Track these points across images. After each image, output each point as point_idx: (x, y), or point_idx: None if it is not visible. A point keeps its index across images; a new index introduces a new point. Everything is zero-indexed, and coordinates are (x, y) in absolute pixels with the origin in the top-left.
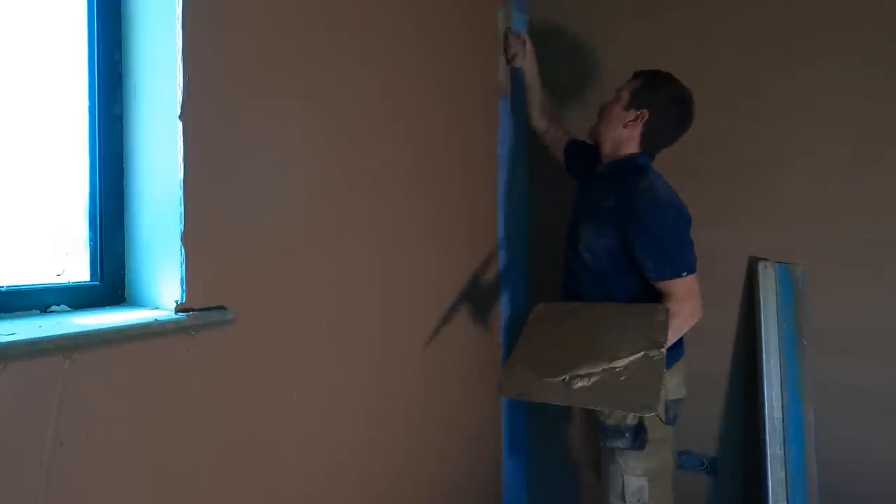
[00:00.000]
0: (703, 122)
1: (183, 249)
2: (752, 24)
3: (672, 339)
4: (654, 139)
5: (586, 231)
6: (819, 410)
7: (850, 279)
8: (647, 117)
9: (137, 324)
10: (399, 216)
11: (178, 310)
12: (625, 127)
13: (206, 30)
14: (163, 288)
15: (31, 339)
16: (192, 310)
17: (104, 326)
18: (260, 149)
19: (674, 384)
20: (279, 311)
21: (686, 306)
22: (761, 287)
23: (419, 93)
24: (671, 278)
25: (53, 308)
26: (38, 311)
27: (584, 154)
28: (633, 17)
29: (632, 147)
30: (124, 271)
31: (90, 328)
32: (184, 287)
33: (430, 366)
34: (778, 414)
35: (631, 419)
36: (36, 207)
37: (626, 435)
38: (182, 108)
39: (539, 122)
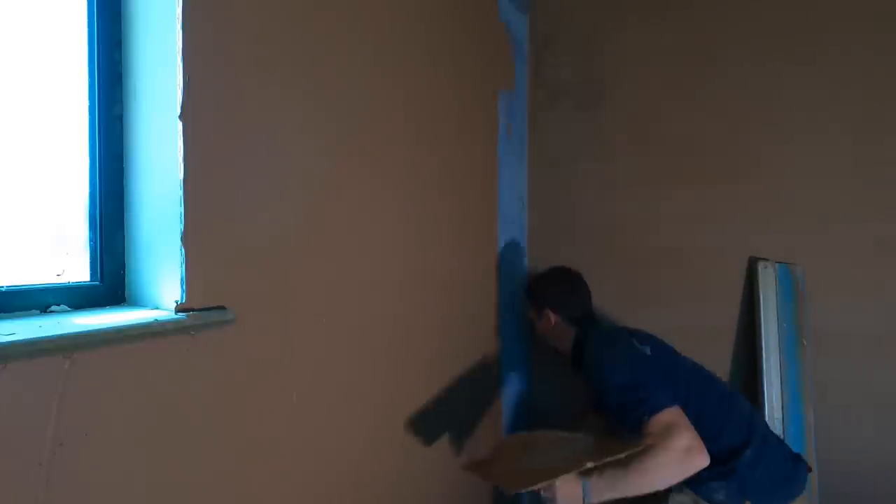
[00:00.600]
0: (702, 122)
1: (183, 249)
2: (752, 24)
3: (664, 477)
4: (572, 315)
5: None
6: (819, 410)
7: (850, 279)
8: (554, 313)
9: (137, 324)
10: (400, 216)
11: (178, 310)
12: (553, 330)
13: (206, 30)
14: (163, 288)
15: (31, 339)
16: (192, 310)
17: (104, 326)
18: (260, 149)
19: None
20: (279, 311)
21: (669, 442)
22: (761, 287)
23: (419, 93)
24: (639, 425)
25: (53, 308)
26: (38, 311)
27: None
28: (633, 17)
29: (569, 334)
30: (124, 271)
31: (90, 328)
32: (184, 287)
33: (432, 366)
34: (778, 414)
35: None
36: (36, 207)
37: None
38: (182, 108)
39: None
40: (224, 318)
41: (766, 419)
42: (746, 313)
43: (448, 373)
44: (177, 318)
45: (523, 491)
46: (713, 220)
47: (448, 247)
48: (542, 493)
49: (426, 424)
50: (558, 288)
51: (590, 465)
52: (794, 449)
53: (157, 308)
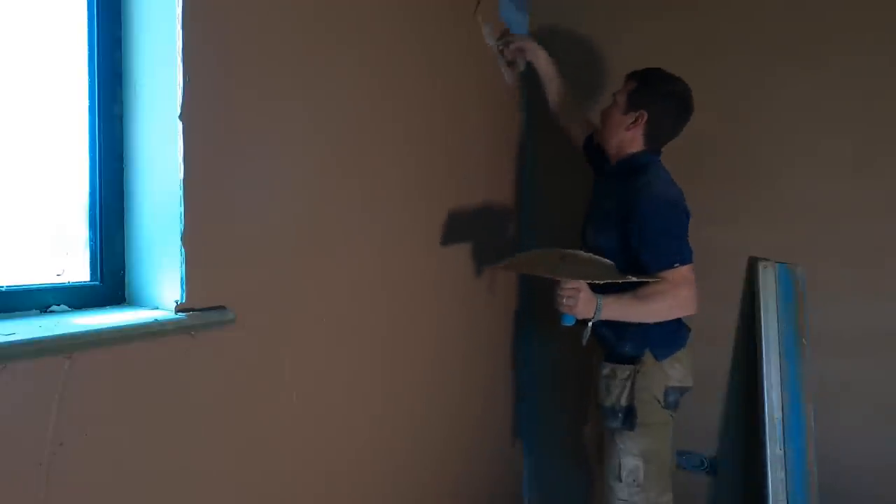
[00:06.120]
0: (703, 122)
1: (183, 249)
2: (753, 23)
3: (659, 316)
4: (657, 136)
5: (590, 230)
6: (819, 410)
7: (849, 279)
8: (646, 118)
9: (137, 324)
10: (400, 215)
11: (178, 310)
12: (627, 130)
13: (206, 30)
14: (163, 288)
15: (31, 339)
16: (192, 310)
17: (104, 326)
18: (260, 149)
19: (676, 372)
20: (279, 311)
21: (680, 290)
22: (761, 287)
23: (420, 92)
24: (663, 269)
25: (53, 308)
26: (38, 311)
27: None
28: (633, 17)
29: (636, 146)
30: (124, 271)
31: (90, 328)
32: (184, 287)
33: (434, 364)
34: (778, 414)
35: (625, 400)
36: (36, 207)
37: (619, 415)
38: (182, 108)
39: (556, 116)
40: (224, 318)
41: (766, 419)
42: (746, 313)
43: (449, 372)
44: (177, 318)
45: (557, 278)
46: (713, 220)
47: (449, 247)
48: (564, 296)
49: (427, 424)
50: (672, 100)
51: (633, 278)
52: (794, 448)
53: (157, 308)
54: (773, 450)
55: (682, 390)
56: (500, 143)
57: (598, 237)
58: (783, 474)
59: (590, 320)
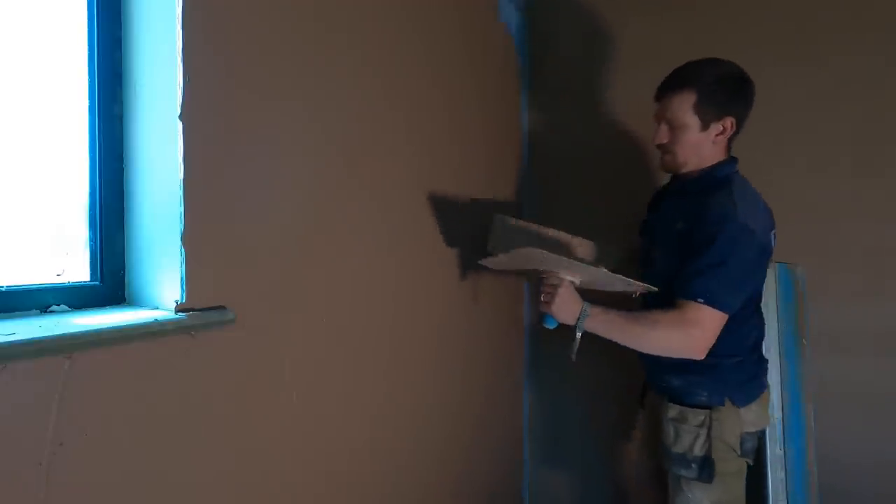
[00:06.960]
0: None
1: (183, 249)
2: (753, 23)
3: (651, 347)
4: (736, 133)
5: (657, 253)
6: (819, 410)
7: (849, 279)
8: (734, 123)
9: (137, 324)
10: (401, 215)
11: (178, 310)
12: (714, 143)
13: (206, 30)
14: (163, 288)
15: (31, 339)
16: (192, 310)
17: (104, 326)
18: (260, 149)
19: (751, 417)
20: (279, 311)
21: (686, 328)
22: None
23: (420, 92)
24: (686, 298)
25: (53, 308)
26: (38, 311)
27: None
28: (632, 16)
29: (720, 155)
30: (124, 271)
31: (90, 328)
32: (184, 287)
33: (435, 364)
34: (778, 414)
35: (700, 450)
36: (36, 207)
37: (693, 466)
38: (182, 108)
39: None
40: (224, 318)
41: None
42: None
43: (450, 371)
44: (177, 318)
45: (541, 272)
46: None
47: (449, 246)
48: (543, 292)
49: (428, 424)
50: (748, 87)
51: (605, 270)
52: (794, 448)
53: (157, 308)
54: (773, 450)
55: (755, 435)
56: (501, 144)
57: (663, 259)
58: (783, 474)
59: (573, 327)
